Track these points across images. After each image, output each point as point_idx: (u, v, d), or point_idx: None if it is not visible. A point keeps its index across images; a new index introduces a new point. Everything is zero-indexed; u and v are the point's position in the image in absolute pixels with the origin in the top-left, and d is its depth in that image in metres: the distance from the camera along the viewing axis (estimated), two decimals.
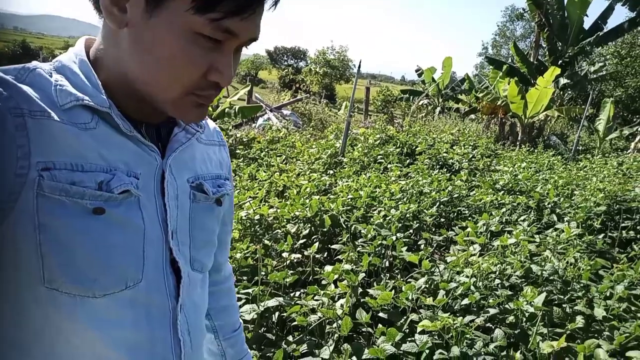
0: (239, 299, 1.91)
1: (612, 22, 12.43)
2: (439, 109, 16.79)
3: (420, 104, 17.19)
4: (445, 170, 5.59)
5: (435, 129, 9.71)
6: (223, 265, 0.89)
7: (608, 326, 2.09)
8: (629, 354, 1.80)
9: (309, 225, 2.99)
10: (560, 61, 12.90)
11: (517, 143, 10.59)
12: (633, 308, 2.24)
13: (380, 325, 1.84)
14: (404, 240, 2.72)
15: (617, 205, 3.98)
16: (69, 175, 0.53)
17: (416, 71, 19.45)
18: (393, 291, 2.04)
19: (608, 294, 2.29)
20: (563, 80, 12.49)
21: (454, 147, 6.88)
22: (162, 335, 0.63)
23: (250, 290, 1.94)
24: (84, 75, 0.58)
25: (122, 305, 0.59)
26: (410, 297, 2.01)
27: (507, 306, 2.10)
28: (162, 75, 0.56)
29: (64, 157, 0.53)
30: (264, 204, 3.13)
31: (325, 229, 2.95)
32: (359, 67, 5.32)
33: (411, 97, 18.94)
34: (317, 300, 1.96)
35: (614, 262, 3.02)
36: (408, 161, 5.86)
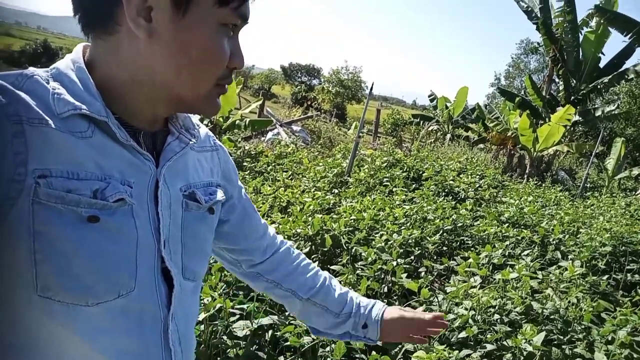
0: (233, 314, 1.88)
1: (628, 62, 12.41)
2: (448, 135, 16.83)
3: (430, 129, 17.25)
4: (451, 198, 5.56)
5: (444, 156, 9.70)
6: (266, 244, 0.91)
7: None
8: None
9: (310, 243, 2.97)
10: (573, 97, 12.92)
11: (525, 176, 10.55)
12: (635, 355, 2.18)
13: (374, 353, 1.81)
14: (405, 266, 2.69)
15: (623, 247, 3.92)
16: (65, 183, 0.54)
17: (429, 96, 19.57)
18: None
19: (610, 339, 2.24)
20: (575, 117, 12.47)
21: (461, 176, 6.85)
22: (153, 345, 0.64)
23: (245, 306, 1.91)
24: (81, 83, 0.58)
25: (114, 314, 0.59)
26: None
27: (505, 343, 2.06)
28: (199, 70, 0.61)
29: (61, 164, 0.54)
30: (267, 219, 3.12)
31: (325, 249, 2.93)
32: (371, 88, 5.36)
33: (421, 121, 19.03)
34: None
35: (617, 305, 2.95)
36: (414, 186, 5.84)
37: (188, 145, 0.70)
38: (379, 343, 1.04)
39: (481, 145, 15.82)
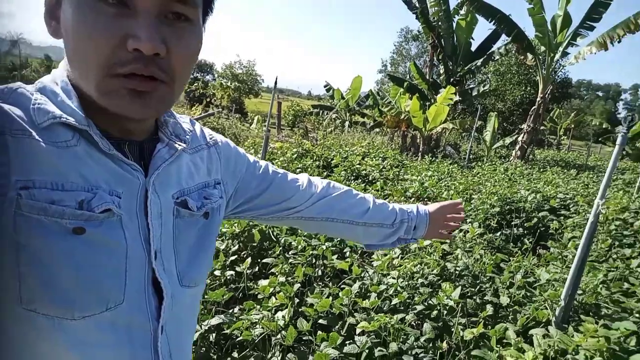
0: None
1: (496, 46, 14.22)
2: (347, 123, 17.59)
3: (330, 118, 17.86)
4: (360, 180, 5.91)
5: (346, 142, 10.17)
6: (306, 194, 0.93)
7: (511, 311, 2.42)
8: (530, 332, 2.11)
9: (237, 241, 2.98)
10: (452, 79, 14.33)
11: (419, 153, 11.52)
12: (529, 294, 2.61)
13: (319, 332, 1.92)
14: (332, 248, 2.85)
15: (508, 206, 4.56)
16: (49, 194, 0.52)
17: (324, 86, 20.18)
18: (330, 298, 2.15)
19: (509, 284, 2.64)
20: (455, 97, 13.87)
21: (366, 159, 7.28)
22: (143, 358, 0.62)
23: None
24: (64, 94, 0.57)
25: (102, 327, 0.57)
26: (345, 302, 2.13)
27: (430, 302, 2.32)
28: (78, 57, 0.55)
29: (44, 175, 0.52)
30: None
31: (254, 244, 2.97)
32: (276, 83, 5.43)
33: (321, 111, 19.61)
34: (257, 314, 1.99)
35: (510, 255, 3.46)
36: (325, 173, 6.08)
37: (178, 151, 0.67)
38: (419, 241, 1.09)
39: (377, 129, 16.83)
